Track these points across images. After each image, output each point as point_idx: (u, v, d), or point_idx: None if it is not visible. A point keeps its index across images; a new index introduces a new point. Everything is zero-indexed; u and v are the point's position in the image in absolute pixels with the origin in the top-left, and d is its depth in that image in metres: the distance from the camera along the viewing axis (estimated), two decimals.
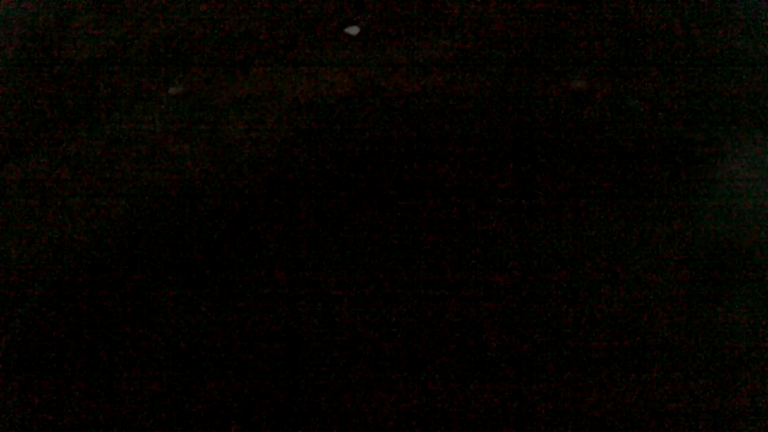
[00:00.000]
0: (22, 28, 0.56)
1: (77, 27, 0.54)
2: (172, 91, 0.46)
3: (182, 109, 0.52)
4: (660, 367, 0.50)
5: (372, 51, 0.52)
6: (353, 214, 0.50)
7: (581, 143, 0.51)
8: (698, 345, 0.51)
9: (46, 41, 0.55)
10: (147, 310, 0.50)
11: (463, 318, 0.49)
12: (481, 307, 0.49)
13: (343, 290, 0.49)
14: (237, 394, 0.49)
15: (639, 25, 0.54)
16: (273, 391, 0.49)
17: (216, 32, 0.53)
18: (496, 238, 0.49)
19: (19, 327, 0.51)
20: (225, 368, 0.49)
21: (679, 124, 0.52)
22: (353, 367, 0.49)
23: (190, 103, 0.51)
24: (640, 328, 0.50)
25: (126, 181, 0.51)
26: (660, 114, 0.52)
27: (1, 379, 0.52)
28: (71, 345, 0.50)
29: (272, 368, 0.49)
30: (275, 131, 0.51)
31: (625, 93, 0.52)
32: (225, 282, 0.49)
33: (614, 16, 0.54)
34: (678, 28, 0.54)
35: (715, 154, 0.52)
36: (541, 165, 0.50)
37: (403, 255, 0.49)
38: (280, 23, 0.53)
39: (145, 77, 0.52)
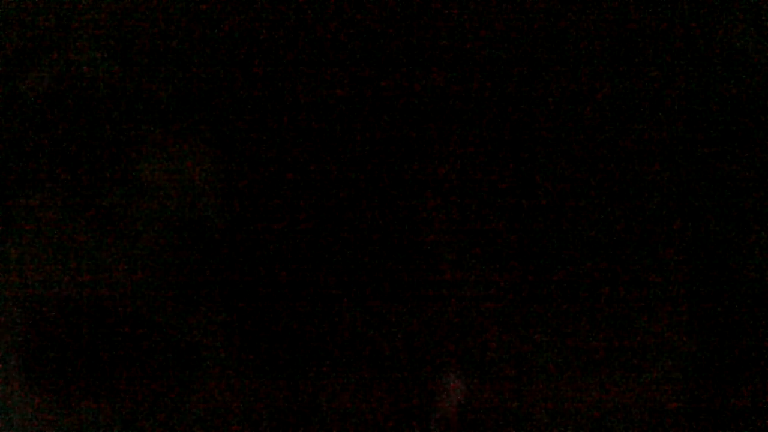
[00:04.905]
0: (22, 28, 0.56)
1: (77, 27, 0.54)
2: None
3: (182, 110, 0.51)
4: (660, 367, 0.50)
5: (372, 51, 0.52)
6: (353, 214, 0.50)
7: (581, 143, 0.51)
8: (698, 345, 0.50)
9: (46, 41, 0.55)
10: (147, 310, 0.50)
11: (463, 318, 0.49)
12: (481, 307, 0.49)
13: (343, 290, 0.49)
14: (237, 394, 0.49)
15: (639, 25, 0.54)
16: (273, 391, 0.49)
17: (216, 32, 0.53)
18: (496, 238, 0.49)
19: (20, 327, 0.51)
20: (225, 368, 0.49)
21: (679, 124, 0.52)
22: (353, 367, 0.49)
23: (190, 103, 0.51)
24: (640, 328, 0.50)
25: (126, 181, 0.51)
26: (660, 114, 0.52)
27: (1, 379, 0.52)
28: (71, 345, 0.50)
29: (272, 368, 0.49)
30: (275, 131, 0.51)
31: (625, 93, 0.52)
32: (225, 282, 0.49)
33: (614, 16, 0.53)
34: (678, 28, 0.54)
35: (715, 154, 0.52)
36: (541, 165, 0.50)
37: (403, 255, 0.49)
38: (280, 23, 0.53)
39: (146, 77, 0.52)
